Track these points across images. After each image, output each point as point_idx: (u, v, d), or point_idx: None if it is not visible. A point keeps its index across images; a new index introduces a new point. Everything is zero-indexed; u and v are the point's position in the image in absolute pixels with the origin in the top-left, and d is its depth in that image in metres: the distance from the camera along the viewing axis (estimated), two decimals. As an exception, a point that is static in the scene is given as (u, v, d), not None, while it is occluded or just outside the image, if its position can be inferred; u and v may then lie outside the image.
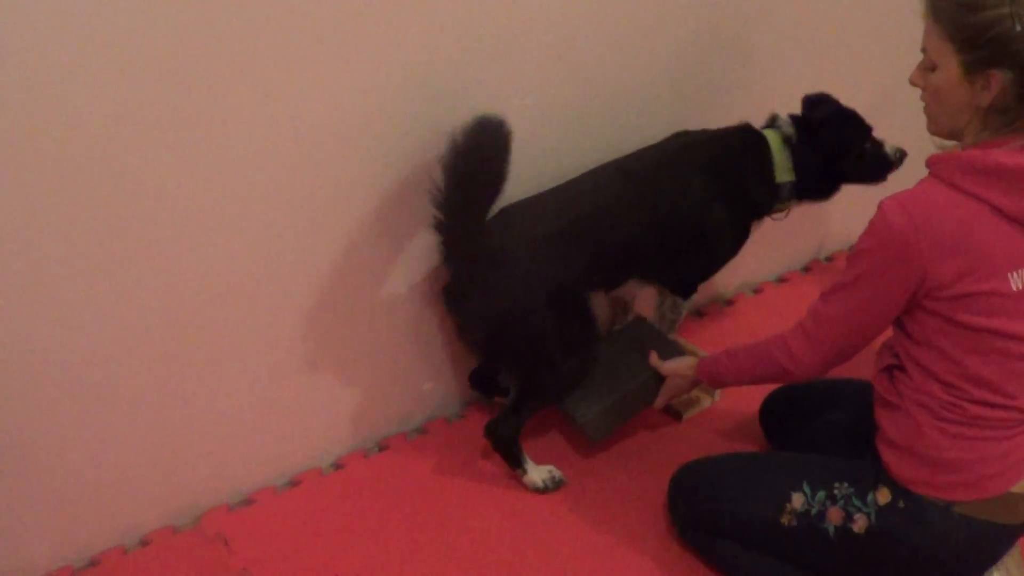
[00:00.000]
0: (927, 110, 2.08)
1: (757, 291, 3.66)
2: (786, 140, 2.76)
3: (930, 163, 2.02)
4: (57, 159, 1.96)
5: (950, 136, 2.06)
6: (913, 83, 2.08)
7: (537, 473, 2.65)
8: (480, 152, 2.34)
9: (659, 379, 2.69)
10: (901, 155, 2.78)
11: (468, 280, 2.51)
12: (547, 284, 2.47)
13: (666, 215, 2.65)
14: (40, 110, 1.91)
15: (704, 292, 3.38)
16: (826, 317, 2.15)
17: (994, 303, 1.95)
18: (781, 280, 3.74)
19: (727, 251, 2.87)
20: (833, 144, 2.75)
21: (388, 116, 2.37)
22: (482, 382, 2.93)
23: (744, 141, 2.79)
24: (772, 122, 2.82)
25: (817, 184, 2.83)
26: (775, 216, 2.88)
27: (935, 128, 2.08)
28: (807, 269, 3.81)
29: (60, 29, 1.86)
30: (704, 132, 2.83)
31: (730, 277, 3.49)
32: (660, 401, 2.71)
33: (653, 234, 2.64)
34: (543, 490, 2.65)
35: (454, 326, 2.69)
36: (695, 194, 2.68)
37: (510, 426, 2.62)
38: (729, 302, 3.57)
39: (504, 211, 2.53)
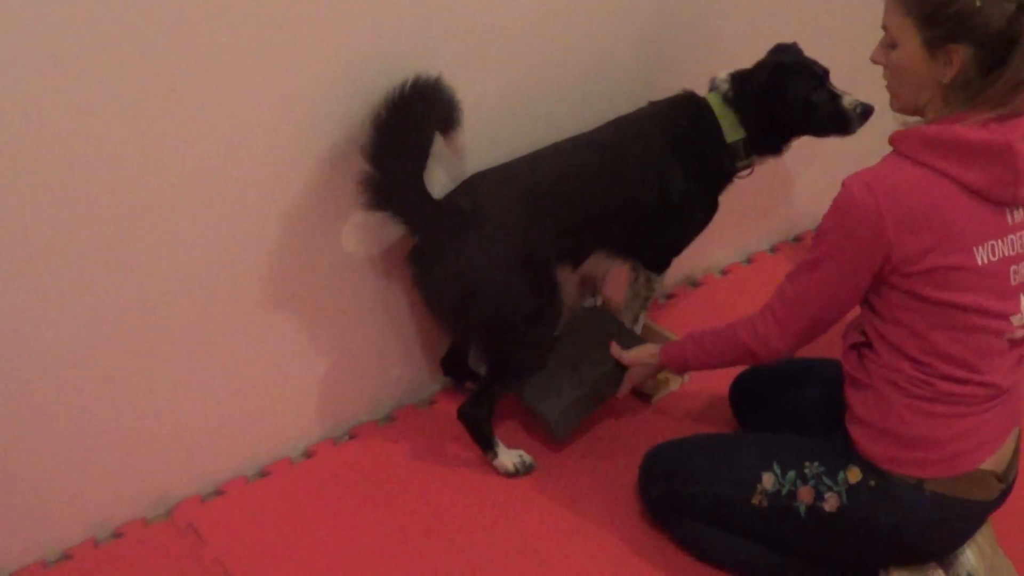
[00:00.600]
0: (889, 87, 2.09)
1: (725, 272, 3.67)
2: (725, 98, 2.70)
3: (893, 140, 2.04)
4: (22, 146, 1.95)
5: (913, 112, 2.07)
6: (874, 61, 2.09)
7: (508, 457, 2.66)
8: (411, 104, 2.31)
9: (622, 369, 2.70)
10: (863, 109, 2.63)
11: (434, 246, 2.47)
12: (515, 250, 2.45)
13: (629, 186, 2.64)
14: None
15: (672, 274, 3.39)
16: (793, 297, 2.17)
17: (960, 278, 1.97)
18: (749, 261, 3.76)
19: (697, 222, 2.85)
20: (771, 95, 2.67)
21: (344, 94, 2.35)
22: (453, 367, 2.93)
23: (686, 108, 2.76)
24: (712, 84, 2.77)
25: (767, 137, 2.75)
26: (741, 175, 2.81)
27: (898, 105, 2.10)
28: (774, 250, 3.83)
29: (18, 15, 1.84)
30: (653, 104, 2.81)
31: (698, 259, 3.50)
32: (623, 390, 2.72)
33: (617, 205, 2.63)
34: (513, 474, 2.65)
35: (421, 296, 2.61)
36: (655, 165, 2.67)
37: (482, 406, 2.62)
38: (697, 283, 3.58)
39: (471, 179, 2.52)
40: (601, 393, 2.73)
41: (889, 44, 2.03)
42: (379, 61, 2.35)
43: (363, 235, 2.56)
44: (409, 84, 2.30)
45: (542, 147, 2.64)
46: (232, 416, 2.56)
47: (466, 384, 2.95)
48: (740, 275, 3.65)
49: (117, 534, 2.45)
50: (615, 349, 2.68)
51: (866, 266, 2.02)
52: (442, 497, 2.59)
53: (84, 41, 1.92)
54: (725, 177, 2.81)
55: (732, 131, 2.71)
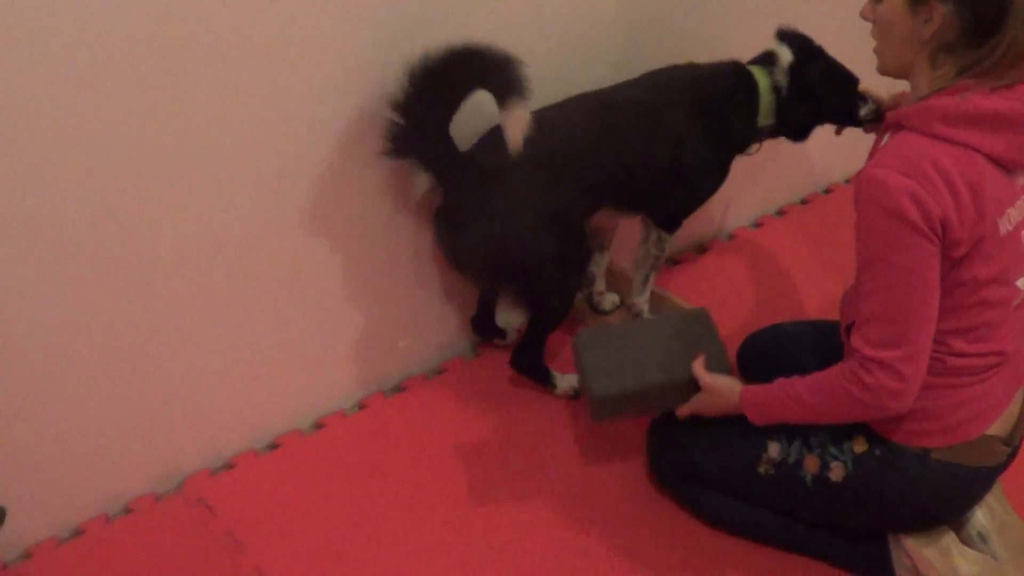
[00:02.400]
0: (876, 48, 2.06)
1: (732, 236, 3.67)
2: (775, 87, 2.71)
3: (900, 118, 1.96)
4: (23, 132, 1.95)
5: (898, 74, 2.04)
6: (864, 16, 2.06)
7: (567, 382, 2.84)
8: (450, 62, 2.29)
9: (693, 386, 2.36)
10: (875, 116, 2.66)
11: (460, 202, 2.48)
12: (542, 203, 2.46)
13: (652, 146, 2.63)
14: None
15: (705, 227, 3.40)
16: (870, 334, 1.97)
17: (987, 250, 1.91)
18: (757, 225, 3.75)
19: (712, 185, 2.86)
20: (826, 106, 2.73)
21: (370, 48, 2.34)
22: (482, 326, 2.99)
23: (734, 82, 2.75)
24: (765, 60, 2.75)
25: (795, 131, 2.84)
26: (748, 152, 2.85)
27: (883, 65, 2.07)
28: (781, 213, 3.82)
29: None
30: (694, 67, 2.79)
31: (705, 223, 3.49)
32: (685, 410, 2.39)
33: (638, 162, 2.62)
34: (575, 396, 2.84)
35: (446, 252, 2.63)
36: (680, 130, 2.66)
37: (532, 354, 2.80)
38: (704, 248, 3.57)
39: (494, 131, 2.48)
40: (658, 400, 2.44)
41: None
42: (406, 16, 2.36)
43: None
44: (453, 48, 2.29)
45: (565, 98, 2.63)
46: (241, 389, 2.57)
47: (495, 341, 3.05)
48: (747, 239, 3.65)
49: (128, 509, 2.47)
50: (699, 365, 2.36)
51: (929, 250, 1.88)
52: (452, 467, 2.60)
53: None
54: (740, 150, 2.84)
55: (766, 116, 2.75)
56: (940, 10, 1.88)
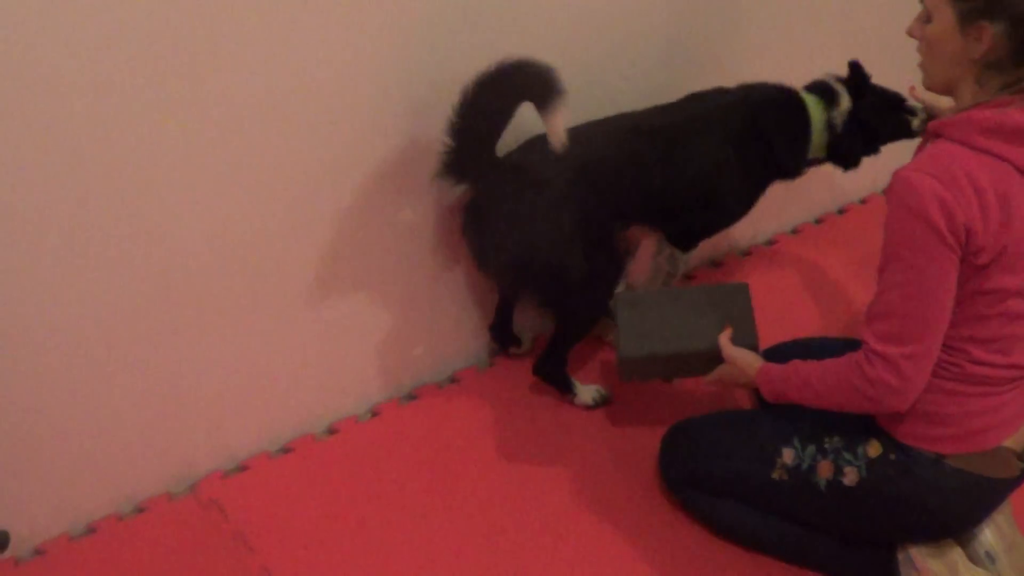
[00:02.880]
0: (922, 64, 2.07)
1: (771, 242, 3.70)
2: (830, 124, 2.75)
3: (940, 128, 1.99)
4: (46, 130, 1.96)
5: (944, 91, 2.06)
6: (910, 34, 2.08)
7: (586, 392, 2.82)
8: (497, 84, 2.33)
9: (719, 357, 2.42)
10: (924, 123, 2.69)
11: (494, 206, 2.49)
12: (574, 215, 2.47)
13: (690, 170, 2.64)
14: (24, 86, 1.90)
15: (719, 243, 3.41)
16: (883, 331, 2.00)
17: (1013, 261, 1.93)
18: (795, 232, 3.78)
19: (737, 212, 2.88)
20: (880, 137, 2.80)
21: (404, 66, 2.38)
22: (500, 333, 2.99)
23: (785, 114, 2.77)
24: (823, 92, 2.77)
25: (846, 163, 2.87)
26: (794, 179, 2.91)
27: (929, 82, 2.08)
28: (820, 221, 3.83)
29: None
30: (746, 91, 2.80)
31: (744, 229, 3.50)
32: (711, 377, 2.46)
33: (674, 185, 2.63)
34: (592, 406, 2.82)
35: (475, 254, 2.64)
36: (718, 157, 2.68)
37: (555, 363, 2.79)
38: (745, 253, 3.59)
39: (533, 140, 2.53)
40: (686, 367, 2.53)
41: (925, 18, 2.02)
42: (432, 34, 2.39)
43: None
44: (497, 65, 2.32)
45: (605, 116, 2.67)
46: (255, 392, 2.58)
47: (511, 349, 3.04)
48: (786, 245, 3.67)
49: (141, 508, 2.47)
50: (724, 337, 2.42)
51: (949, 257, 1.91)
52: (463, 474, 2.60)
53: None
54: (783, 178, 2.87)
55: (818, 149, 2.79)
56: (990, 30, 1.89)
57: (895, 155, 2.13)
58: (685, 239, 2.92)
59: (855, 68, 2.76)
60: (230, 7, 2.06)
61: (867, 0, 3.31)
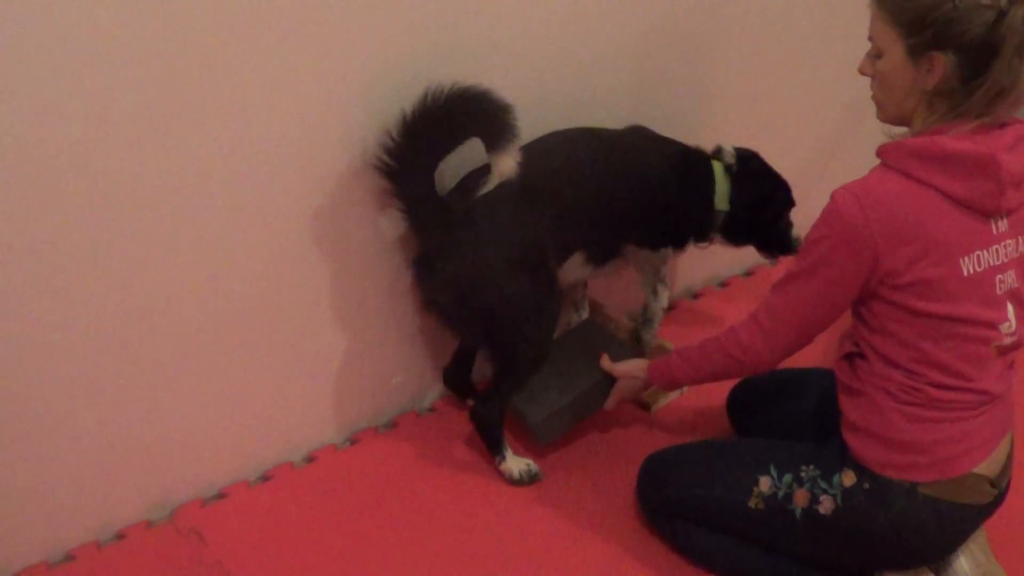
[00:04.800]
0: (875, 98, 2.13)
1: (724, 284, 3.70)
2: (727, 169, 2.86)
3: (880, 152, 2.06)
4: (42, 151, 1.98)
5: (898, 122, 2.11)
6: (862, 72, 2.12)
7: (515, 464, 2.67)
8: (440, 111, 2.35)
9: (611, 381, 2.70)
10: (799, 245, 2.90)
11: (433, 246, 2.50)
12: (511, 246, 2.47)
13: (624, 196, 2.70)
14: (27, 105, 1.93)
15: (671, 286, 3.42)
16: (779, 308, 2.20)
17: (946, 288, 1.99)
18: (748, 274, 3.79)
19: (673, 242, 2.95)
20: (763, 194, 2.91)
21: (360, 97, 2.40)
22: (456, 381, 2.95)
23: (699, 161, 2.87)
24: (717, 152, 2.90)
25: (740, 226, 2.95)
26: (700, 244, 2.98)
27: (883, 115, 2.13)
28: (775, 263, 3.83)
29: (39, 18, 1.87)
30: (667, 140, 2.88)
31: (697, 271, 3.53)
32: (611, 403, 2.71)
33: (605, 205, 2.67)
34: (518, 482, 2.66)
35: (423, 297, 2.67)
36: (655, 186, 2.75)
37: (493, 408, 2.65)
38: (696, 295, 3.60)
39: (466, 177, 2.52)
40: (589, 403, 2.73)
41: (875, 54, 2.06)
42: (396, 64, 2.41)
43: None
44: (434, 91, 2.34)
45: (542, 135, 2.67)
46: (235, 420, 2.58)
47: (468, 401, 2.93)
48: (739, 287, 3.68)
49: (120, 536, 2.47)
50: (605, 361, 2.69)
51: (853, 277, 2.04)
52: (442, 503, 2.60)
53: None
54: (697, 236, 2.96)
55: (722, 200, 2.87)
56: (941, 60, 1.94)
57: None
58: (652, 241, 2.94)
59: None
60: (213, 37, 2.09)
61: (832, 46, 3.37)
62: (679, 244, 2.94)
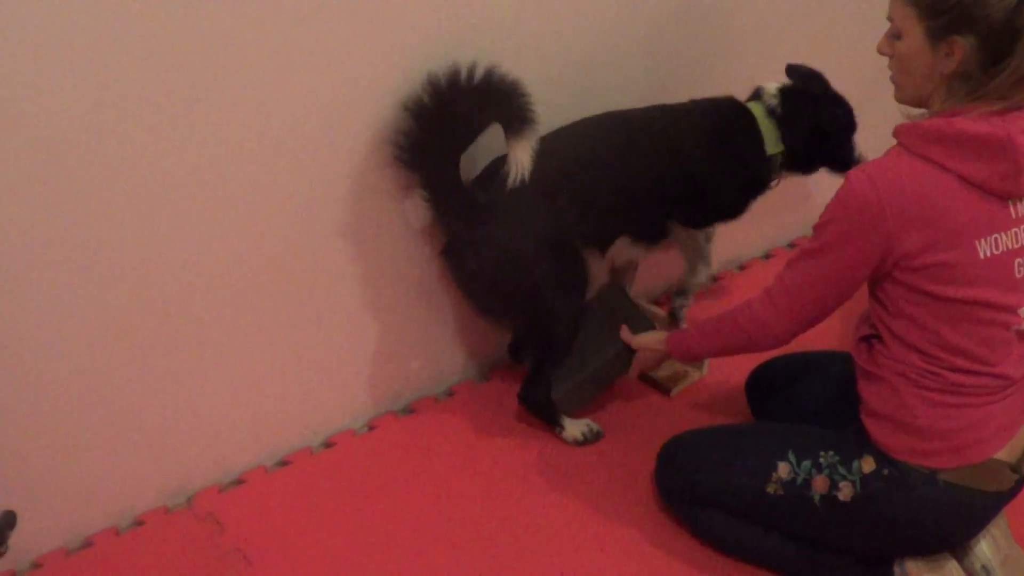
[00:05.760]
0: (893, 78, 2.11)
1: (743, 267, 3.68)
2: (770, 111, 2.75)
3: (896, 133, 2.05)
4: (47, 147, 1.98)
5: (916, 104, 2.09)
6: (880, 51, 2.10)
7: (575, 427, 2.75)
8: (460, 95, 2.35)
9: (630, 352, 2.72)
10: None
11: (459, 237, 2.53)
12: (535, 235, 2.49)
13: (652, 175, 2.66)
14: (30, 103, 1.92)
15: (716, 258, 3.42)
16: (792, 285, 2.19)
17: (962, 272, 1.98)
18: (767, 256, 3.76)
19: (727, 208, 2.89)
20: (817, 124, 2.77)
21: (389, 77, 2.39)
22: (516, 353, 3.04)
23: (733, 113, 2.79)
24: (756, 94, 2.81)
25: (804, 156, 2.84)
26: (770, 187, 2.89)
27: (901, 96, 2.11)
28: (792, 245, 3.82)
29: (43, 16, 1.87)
30: (693, 102, 2.82)
31: (717, 254, 3.50)
32: (634, 373, 2.79)
33: (640, 192, 2.64)
34: (583, 442, 2.74)
35: (459, 287, 2.70)
36: (691, 158, 2.69)
37: (539, 387, 2.72)
38: (715, 278, 3.58)
39: (490, 165, 2.54)
40: (608, 375, 2.77)
41: (894, 34, 2.04)
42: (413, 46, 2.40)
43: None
44: (481, 74, 2.35)
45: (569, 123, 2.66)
46: (252, 405, 2.59)
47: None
48: (758, 270, 3.65)
49: (138, 522, 2.48)
50: (625, 333, 2.69)
51: (865, 258, 2.03)
52: (460, 487, 2.60)
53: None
54: (760, 185, 2.86)
55: (772, 143, 2.77)
56: (961, 44, 1.91)
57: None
58: (695, 221, 2.91)
59: (791, 69, 2.84)
60: (233, 23, 2.08)
61: (853, 14, 3.33)
62: (735, 212, 2.89)
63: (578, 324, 2.67)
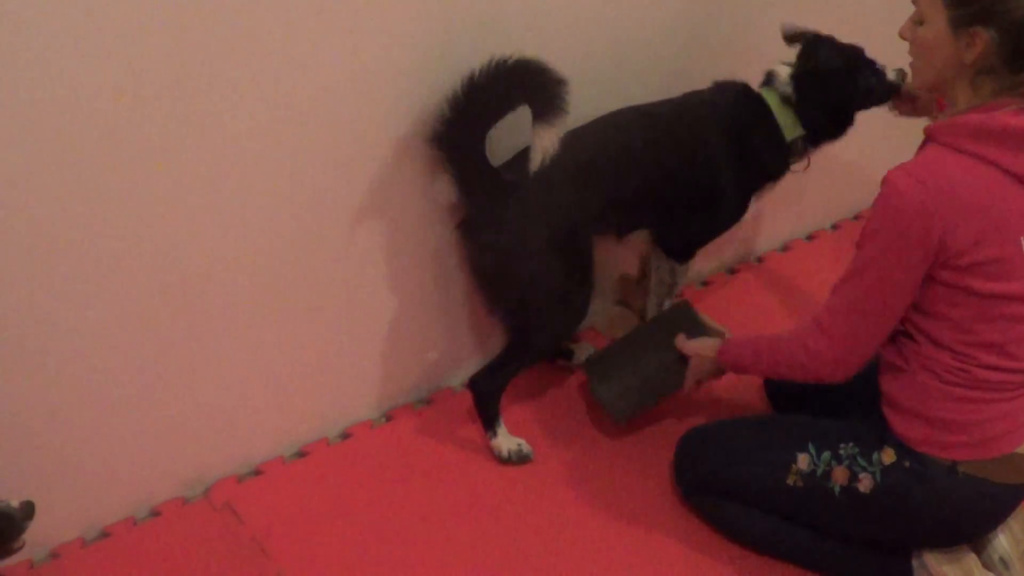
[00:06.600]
0: (913, 64, 2.12)
1: (786, 248, 3.70)
2: (785, 99, 2.72)
3: (931, 131, 2.03)
4: (58, 139, 1.97)
5: (933, 90, 2.13)
6: (902, 36, 2.10)
7: (506, 441, 2.66)
8: (490, 83, 2.32)
9: (684, 361, 2.62)
10: (903, 76, 2.67)
11: (479, 216, 2.49)
12: (553, 226, 2.46)
13: (678, 168, 2.64)
14: (39, 93, 1.91)
15: (734, 249, 3.41)
16: (842, 307, 2.13)
17: (1007, 267, 1.96)
18: (810, 238, 3.79)
19: (728, 218, 2.86)
20: (835, 97, 2.72)
21: (404, 71, 2.37)
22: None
23: (744, 103, 2.76)
24: (768, 80, 2.78)
25: (828, 129, 2.80)
26: (795, 169, 2.85)
27: (919, 81, 2.12)
28: (835, 227, 3.86)
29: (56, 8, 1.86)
30: (704, 94, 2.80)
31: (760, 234, 3.52)
32: (688, 383, 2.62)
33: (660, 184, 2.63)
34: (506, 460, 2.65)
35: (468, 265, 2.68)
36: (709, 153, 2.68)
37: (493, 381, 2.64)
38: (760, 259, 3.60)
39: (524, 149, 2.49)
40: (664, 382, 2.69)
41: (917, 20, 2.04)
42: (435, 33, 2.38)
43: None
44: (494, 63, 2.32)
45: (594, 119, 2.64)
46: (270, 396, 2.58)
47: (557, 361, 3.00)
48: (801, 251, 3.69)
49: (155, 512, 2.48)
50: (680, 340, 2.63)
51: (918, 264, 1.99)
52: (477, 479, 2.60)
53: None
54: (775, 175, 2.84)
55: (791, 129, 2.74)
56: (983, 36, 1.91)
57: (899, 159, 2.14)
58: (679, 250, 2.92)
59: (791, 36, 2.78)
60: (244, 15, 2.07)
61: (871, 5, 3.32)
62: (738, 215, 2.87)
63: (558, 342, 2.72)
